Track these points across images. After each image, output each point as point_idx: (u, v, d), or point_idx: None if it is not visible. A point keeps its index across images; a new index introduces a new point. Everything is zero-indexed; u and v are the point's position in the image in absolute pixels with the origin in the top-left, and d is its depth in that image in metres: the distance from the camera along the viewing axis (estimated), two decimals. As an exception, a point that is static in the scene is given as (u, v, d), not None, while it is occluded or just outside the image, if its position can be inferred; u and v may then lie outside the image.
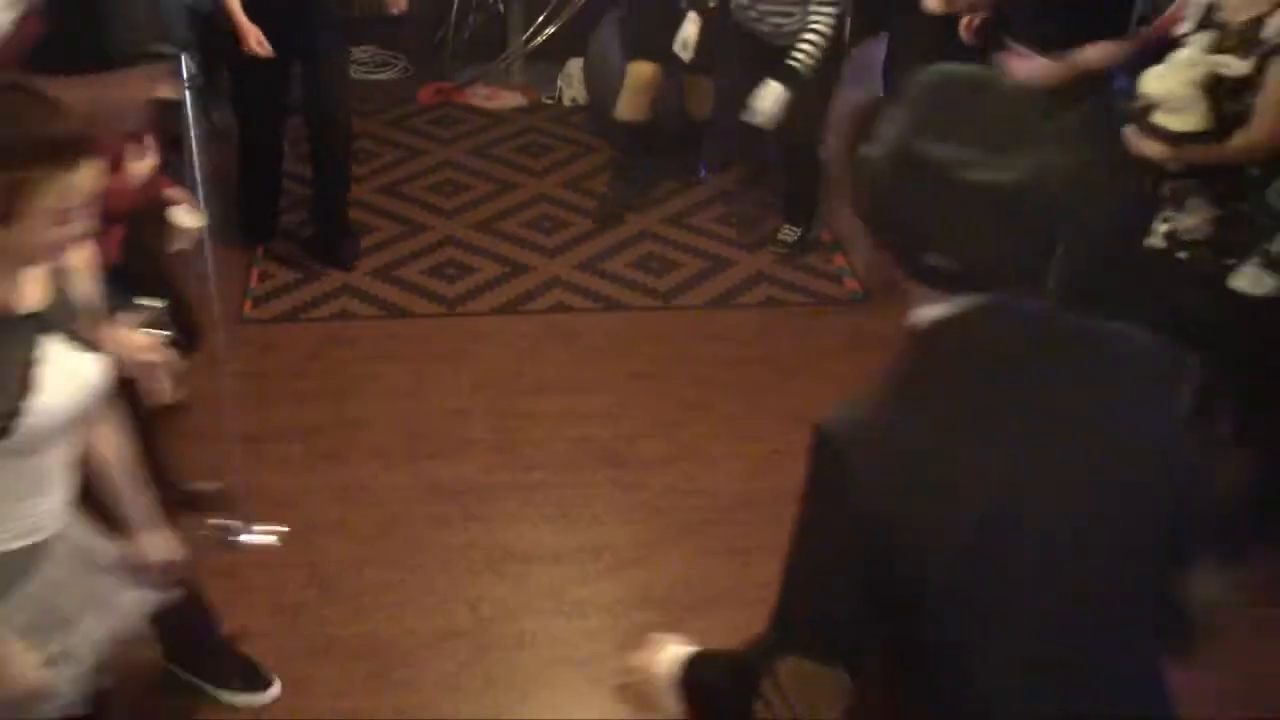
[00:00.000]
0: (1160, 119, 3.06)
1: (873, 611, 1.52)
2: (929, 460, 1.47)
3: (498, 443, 3.88)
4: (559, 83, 6.09)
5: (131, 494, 2.29)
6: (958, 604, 1.50)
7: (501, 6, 6.26)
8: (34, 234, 1.89)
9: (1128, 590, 1.58)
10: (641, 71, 4.98)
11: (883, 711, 1.62)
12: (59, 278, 2.05)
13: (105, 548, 2.26)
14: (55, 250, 1.97)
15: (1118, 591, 1.57)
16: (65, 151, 1.87)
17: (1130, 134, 3.18)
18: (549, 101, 6.09)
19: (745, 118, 4.41)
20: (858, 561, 1.50)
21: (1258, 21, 3.00)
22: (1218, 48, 3.03)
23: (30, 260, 1.96)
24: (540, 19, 6.19)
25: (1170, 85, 3.03)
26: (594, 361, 4.28)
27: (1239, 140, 3.00)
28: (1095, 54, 3.52)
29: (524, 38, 6.23)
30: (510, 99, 6.07)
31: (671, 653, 1.80)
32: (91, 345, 2.06)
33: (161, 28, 2.42)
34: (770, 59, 4.43)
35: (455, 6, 6.17)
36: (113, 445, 2.25)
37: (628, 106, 5.06)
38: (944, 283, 1.51)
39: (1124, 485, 1.54)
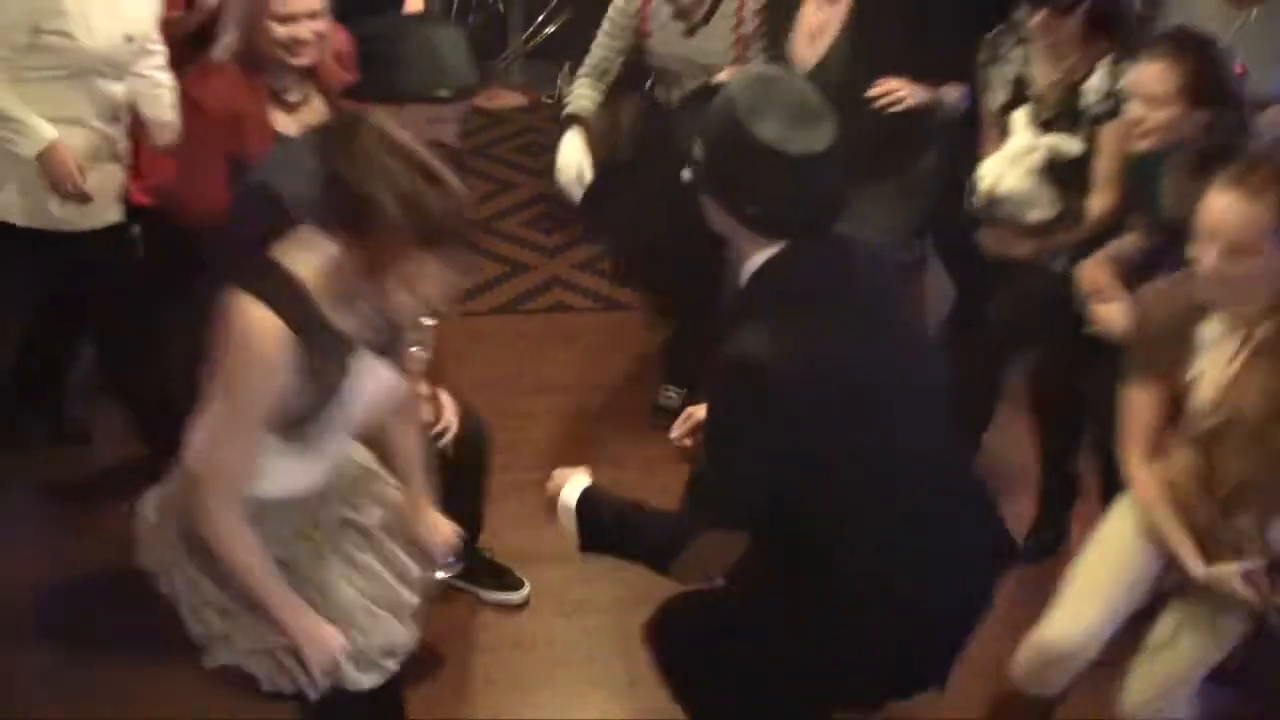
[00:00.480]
0: (1016, 215, 3.04)
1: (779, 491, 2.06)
2: (808, 363, 2.00)
3: (498, 443, 3.86)
4: (559, 82, 6.08)
5: (421, 473, 2.42)
6: (851, 459, 2.05)
7: (501, 6, 6.26)
8: (385, 296, 2.01)
9: (948, 435, 2.24)
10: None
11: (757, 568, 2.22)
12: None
13: (394, 494, 2.40)
14: (396, 307, 2.05)
15: (944, 437, 2.22)
16: (443, 239, 1.95)
17: (990, 239, 3.15)
18: (549, 101, 6.09)
19: None
20: (777, 455, 2.03)
21: (1072, 89, 2.98)
22: (1038, 119, 3.01)
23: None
24: (540, 19, 6.19)
25: (1013, 181, 3.00)
26: (594, 361, 4.28)
27: (1091, 213, 3.02)
28: (952, 94, 3.43)
29: (524, 37, 6.23)
30: (510, 99, 6.08)
31: (575, 481, 2.28)
32: (397, 361, 2.19)
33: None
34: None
35: (455, 6, 6.17)
36: (409, 436, 2.41)
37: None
38: (768, 229, 2.05)
39: (920, 363, 2.20)
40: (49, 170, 3.02)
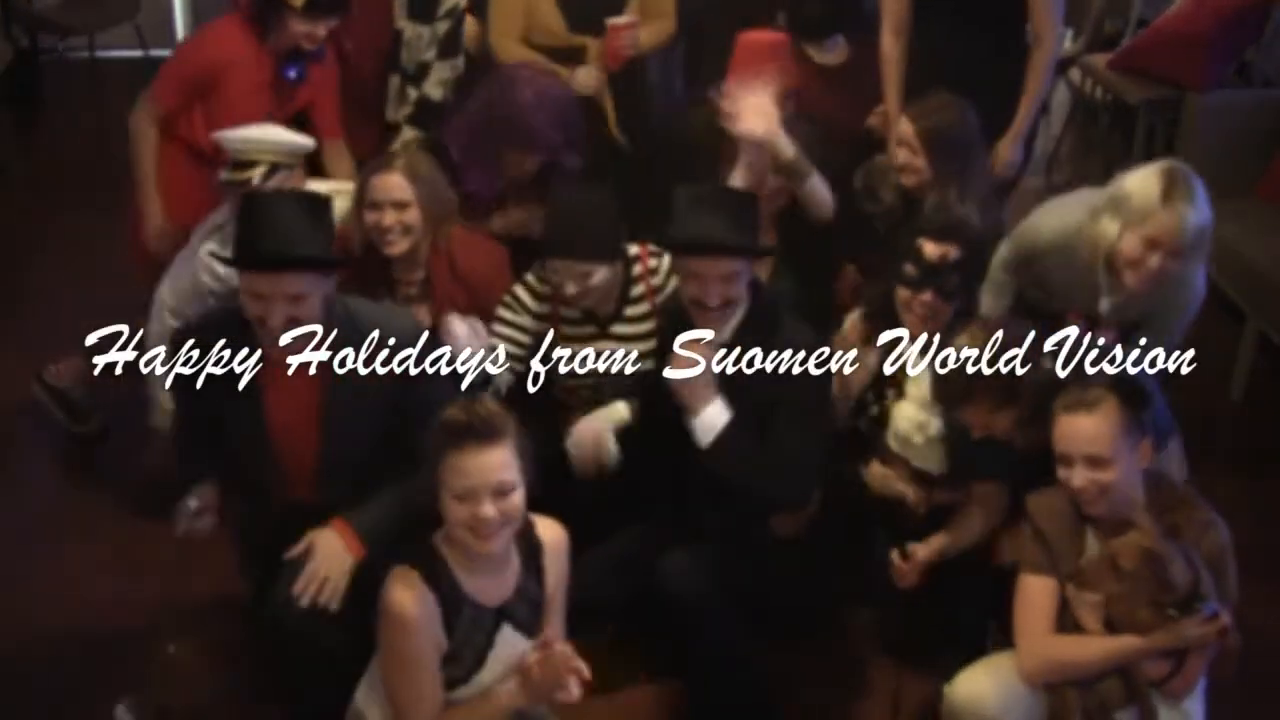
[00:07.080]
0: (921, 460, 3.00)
1: None
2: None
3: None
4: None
5: None
6: None
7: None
8: (450, 512, 2.25)
9: None
10: None
11: None
12: (520, 573, 2.38)
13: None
14: (472, 528, 2.24)
15: None
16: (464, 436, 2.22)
17: (878, 474, 3.05)
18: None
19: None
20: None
21: None
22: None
23: (468, 543, 2.26)
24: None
25: (935, 430, 2.96)
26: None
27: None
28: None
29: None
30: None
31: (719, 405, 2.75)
32: (536, 632, 2.39)
33: None
34: None
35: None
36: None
37: None
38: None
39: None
40: None
